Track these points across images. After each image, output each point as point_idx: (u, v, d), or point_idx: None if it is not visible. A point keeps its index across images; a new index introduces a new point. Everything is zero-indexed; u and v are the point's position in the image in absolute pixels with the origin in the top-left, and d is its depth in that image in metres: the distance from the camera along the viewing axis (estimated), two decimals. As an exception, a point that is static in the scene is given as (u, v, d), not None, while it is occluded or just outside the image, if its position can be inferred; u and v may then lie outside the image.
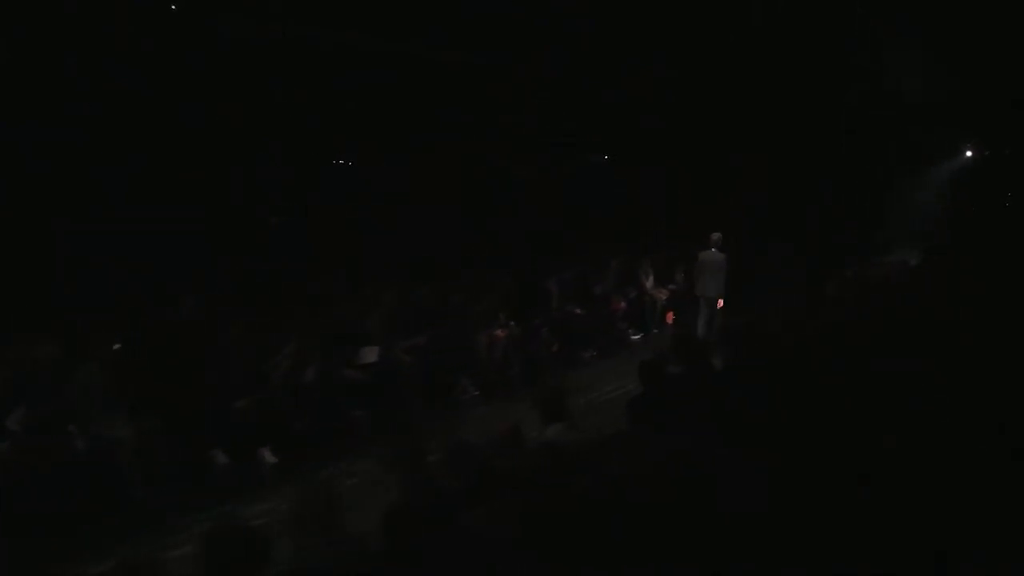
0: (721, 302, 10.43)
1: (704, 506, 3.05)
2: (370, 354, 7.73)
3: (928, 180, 15.42)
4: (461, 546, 2.87)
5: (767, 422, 3.76)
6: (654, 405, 4.56)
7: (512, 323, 9.25)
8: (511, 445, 3.99)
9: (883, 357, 4.87)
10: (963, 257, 10.28)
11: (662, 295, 11.60)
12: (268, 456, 6.62)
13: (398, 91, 10.26)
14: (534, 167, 12.40)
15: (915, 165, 15.30)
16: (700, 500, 3.08)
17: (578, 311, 10.33)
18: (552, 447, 4.00)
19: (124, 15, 7.89)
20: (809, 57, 13.02)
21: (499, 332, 9.04)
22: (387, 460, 3.87)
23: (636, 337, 11.01)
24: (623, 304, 11.07)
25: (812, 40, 12.94)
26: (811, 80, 13.30)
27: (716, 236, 10.42)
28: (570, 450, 3.86)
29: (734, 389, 4.43)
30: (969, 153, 15.89)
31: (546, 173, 12.63)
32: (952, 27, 12.48)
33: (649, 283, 11.55)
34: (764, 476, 3.22)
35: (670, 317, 11.59)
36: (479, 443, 3.91)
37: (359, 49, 9.66)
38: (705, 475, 3.23)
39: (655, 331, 11.13)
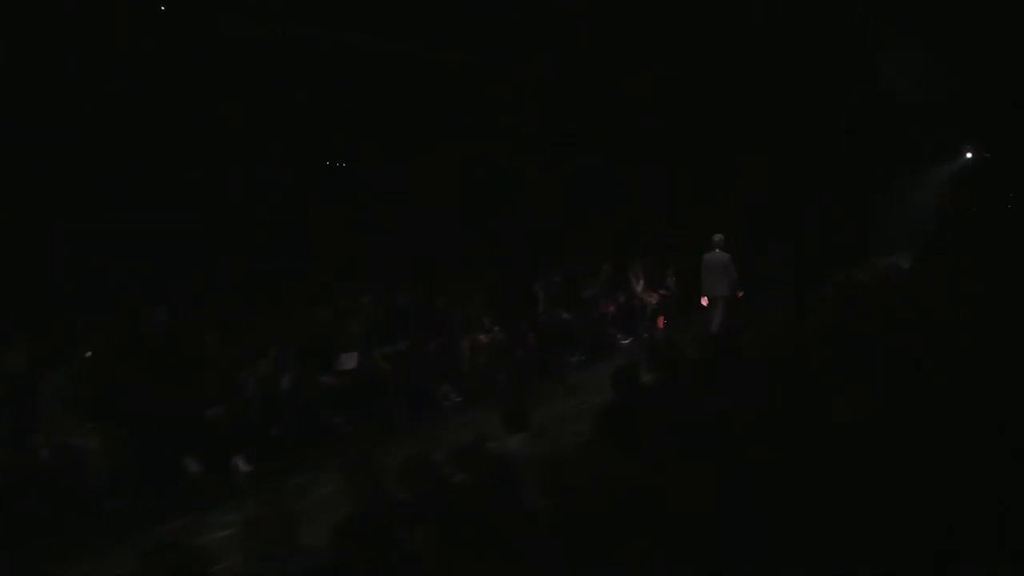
0: (740, 294, 10.54)
1: (656, 520, 2.99)
2: (349, 360, 7.68)
3: (927, 181, 15.39)
4: (405, 560, 2.83)
5: (747, 428, 3.72)
6: (623, 415, 4.40)
7: (497, 328, 9.23)
8: (470, 457, 3.93)
9: (877, 359, 4.83)
10: (959, 258, 10.24)
11: (653, 299, 11.59)
12: (242, 464, 6.60)
13: (398, 91, 10.27)
14: (533, 167, 12.39)
15: (914, 166, 15.27)
16: (655, 514, 3.01)
17: (565, 315, 10.31)
18: (505, 460, 4.01)
19: (124, 15, 7.88)
20: (809, 57, 12.99)
21: (482, 337, 9.03)
22: (342, 471, 3.82)
23: (626, 341, 10.99)
24: (612, 308, 11.07)
25: (812, 40, 12.92)
26: (811, 80, 13.27)
27: (718, 237, 10.56)
28: (526, 462, 3.85)
29: (708, 397, 4.40)
30: (969, 155, 15.85)
31: (545, 173, 12.63)
32: (952, 27, 12.47)
33: (640, 287, 11.53)
34: (742, 487, 3.16)
35: (661, 321, 11.59)
36: (436, 455, 3.88)
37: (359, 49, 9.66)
38: (661, 489, 3.16)
39: (645, 335, 11.10)
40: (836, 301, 7.69)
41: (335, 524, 3.06)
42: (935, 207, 14.98)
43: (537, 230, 11.97)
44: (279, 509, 3.32)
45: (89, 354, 6.50)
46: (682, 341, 6.20)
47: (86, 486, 5.78)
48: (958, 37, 12.53)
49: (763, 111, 13.26)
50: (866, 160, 14.76)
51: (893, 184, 15.04)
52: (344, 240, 10.19)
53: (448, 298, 9.13)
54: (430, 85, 10.51)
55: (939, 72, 13.12)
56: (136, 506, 5.83)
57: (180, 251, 8.26)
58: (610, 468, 3.39)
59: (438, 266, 10.34)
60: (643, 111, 13.03)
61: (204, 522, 5.50)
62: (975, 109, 14.04)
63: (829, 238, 13.56)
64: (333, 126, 10.03)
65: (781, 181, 13.94)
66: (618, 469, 3.35)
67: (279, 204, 9.84)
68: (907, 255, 12.10)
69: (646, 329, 11.36)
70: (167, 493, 6.09)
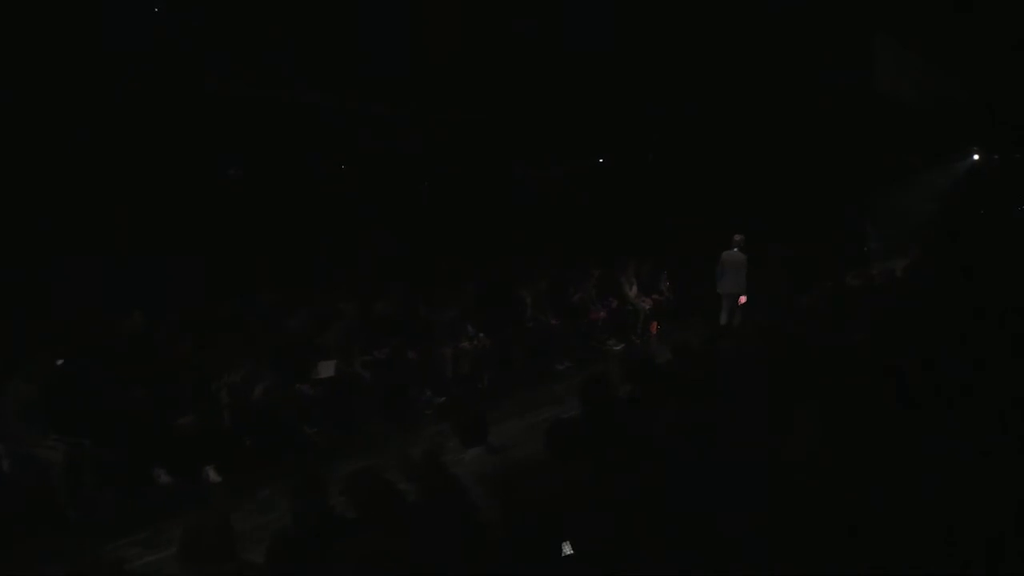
0: (743, 299, 10.70)
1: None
2: (327, 368, 7.53)
3: (930, 184, 15.17)
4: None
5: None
6: (574, 429, 4.19)
7: (481, 335, 9.06)
8: (422, 470, 3.87)
9: (869, 362, 4.82)
10: (956, 261, 10.14)
11: (646, 304, 11.38)
12: (213, 474, 6.51)
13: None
14: (533, 168, 12.33)
15: (917, 169, 15.07)
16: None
17: (553, 321, 10.11)
18: (453, 474, 3.92)
19: None
20: (810, 60, 12.83)
21: (466, 344, 8.86)
22: (285, 484, 3.73)
23: (618, 348, 10.77)
24: (603, 314, 10.86)
25: (812, 42, 12.76)
26: (812, 83, 13.11)
27: (739, 237, 10.85)
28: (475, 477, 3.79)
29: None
30: (976, 156, 15.60)
31: (544, 174, 12.57)
32: (954, 28, 12.29)
33: (633, 291, 11.32)
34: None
35: (654, 327, 11.38)
36: (383, 468, 3.81)
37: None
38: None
39: (638, 342, 10.91)
40: (826, 306, 7.52)
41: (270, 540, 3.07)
42: (939, 210, 14.73)
43: (525, 231, 11.79)
44: (218, 522, 3.23)
45: (60, 362, 6.39)
46: (666, 348, 6.04)
47: (50, 498, 5.73)
48: (961, 38, 12.34)
49: (763, 114, 13.08)
50: (868, 163, 14.56)
51: (896, 188, 14.84)
52: (324, 244, 10.04)
53: (431, 304, 8.95)
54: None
55: (942, 73, 12.93)
56: (100, 518, 5.74)
57: (127, 262, 8.14)
58: (556, 482, 3.30)
59: (421, 271, 10.13)
60: (642, 113, 12.85)
61: (166, 535, 5.35)
62: (980, 112, 13.83)
63: (828, 243, 13.37)
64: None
65: (780, 185, 13.77)
66: (562, 482, 3.27)
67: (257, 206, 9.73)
68: (905, 261, 11.90)
69: (639, 335, 11.16)
70: (134, 504, 6.00)
